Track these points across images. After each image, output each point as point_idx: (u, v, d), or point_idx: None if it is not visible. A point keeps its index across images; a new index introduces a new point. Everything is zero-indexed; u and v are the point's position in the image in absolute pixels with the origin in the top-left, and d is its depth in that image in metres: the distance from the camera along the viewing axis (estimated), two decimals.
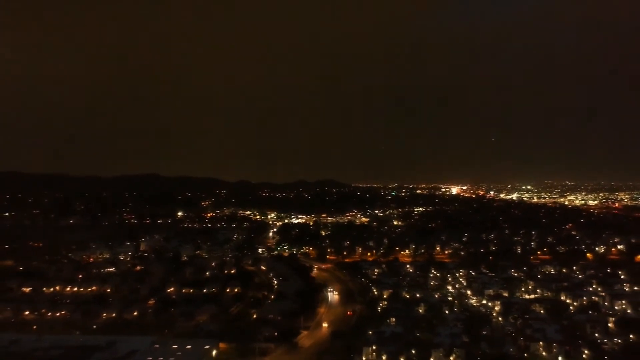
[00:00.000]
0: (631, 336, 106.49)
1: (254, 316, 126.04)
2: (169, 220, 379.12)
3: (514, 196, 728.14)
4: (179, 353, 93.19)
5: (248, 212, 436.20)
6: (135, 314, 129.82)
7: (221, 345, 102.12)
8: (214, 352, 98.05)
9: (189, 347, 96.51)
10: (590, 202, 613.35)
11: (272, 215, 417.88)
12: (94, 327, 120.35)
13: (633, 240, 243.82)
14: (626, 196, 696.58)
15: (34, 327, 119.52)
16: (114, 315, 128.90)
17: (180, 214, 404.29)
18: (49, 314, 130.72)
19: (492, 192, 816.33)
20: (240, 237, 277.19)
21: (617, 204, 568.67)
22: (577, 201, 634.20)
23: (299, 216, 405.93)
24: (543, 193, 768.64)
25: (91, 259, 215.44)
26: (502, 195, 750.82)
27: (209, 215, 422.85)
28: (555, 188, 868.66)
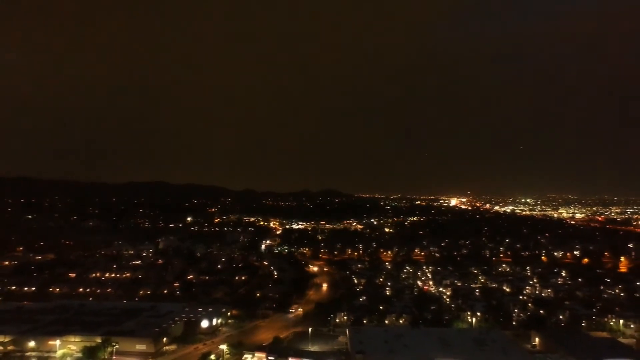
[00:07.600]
0: (541, 311, 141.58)
1: (258, 295, 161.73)
2: (180, 225, 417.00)
3: (509, 209, 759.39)
4: (204, 312, 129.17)
5: (253, 219, 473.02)
6: (165, 291, 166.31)
7: (233, 310, 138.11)
8: (229, 314, 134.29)
9: (210, 309, 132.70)
10: (578, 215, 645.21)
11: (275, 222, 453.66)
12: (136, 299, 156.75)
13: (591, 247, 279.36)
14: (617, 210, 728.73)
15: (90, 298, 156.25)
16: (148, 292, 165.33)
17: (189, 219, 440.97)
18: (98, 290, 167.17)
19: (488, 205, 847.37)
20: (246, 239, 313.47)
21: (600, 217, 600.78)
22: (566, 214, 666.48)
23: (300, 223, 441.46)
24: (539, 206, 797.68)
25: (120, 255, 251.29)
26: (496, 208, 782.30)
27: (216, 220, 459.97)
28: (555, 201, 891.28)
